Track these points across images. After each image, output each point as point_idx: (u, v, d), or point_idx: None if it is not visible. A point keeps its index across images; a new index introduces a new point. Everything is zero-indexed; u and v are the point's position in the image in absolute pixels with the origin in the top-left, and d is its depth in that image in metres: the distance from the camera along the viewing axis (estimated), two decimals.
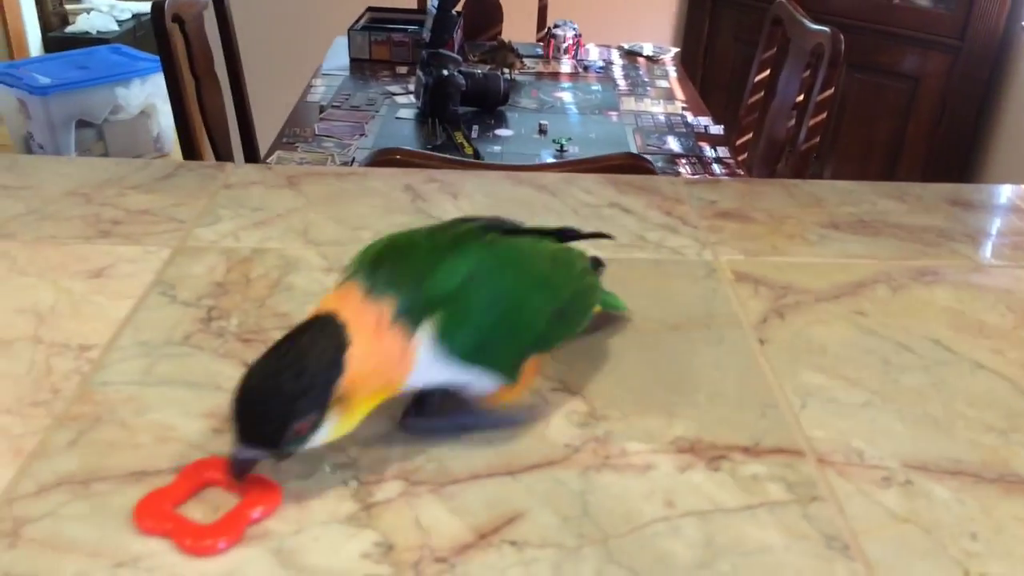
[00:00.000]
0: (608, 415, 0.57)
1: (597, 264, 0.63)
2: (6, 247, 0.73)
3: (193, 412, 0.55)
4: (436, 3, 2.06)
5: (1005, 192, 0.94)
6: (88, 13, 4.09)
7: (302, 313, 0.66)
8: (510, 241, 0.55)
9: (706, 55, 3.30)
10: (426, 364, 0.48)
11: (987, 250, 0.80)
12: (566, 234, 0.60)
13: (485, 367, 0.51)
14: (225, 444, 0.53)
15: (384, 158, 1.34)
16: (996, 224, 0.86)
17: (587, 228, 0.80)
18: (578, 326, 0.58)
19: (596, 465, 0.52)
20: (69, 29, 4.03)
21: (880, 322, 0.67)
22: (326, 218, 0.81)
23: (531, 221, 0.82)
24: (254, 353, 0.61)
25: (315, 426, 0.45)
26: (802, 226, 0.82)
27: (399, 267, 0.49)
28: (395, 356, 0.47)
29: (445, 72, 1.96)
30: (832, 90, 2.09)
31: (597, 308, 0.61)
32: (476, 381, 0.51)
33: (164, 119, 3.34)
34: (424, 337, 0.47)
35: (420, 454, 0.53)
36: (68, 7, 4.13)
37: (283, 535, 0.47)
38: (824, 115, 2.08)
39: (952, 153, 2.83)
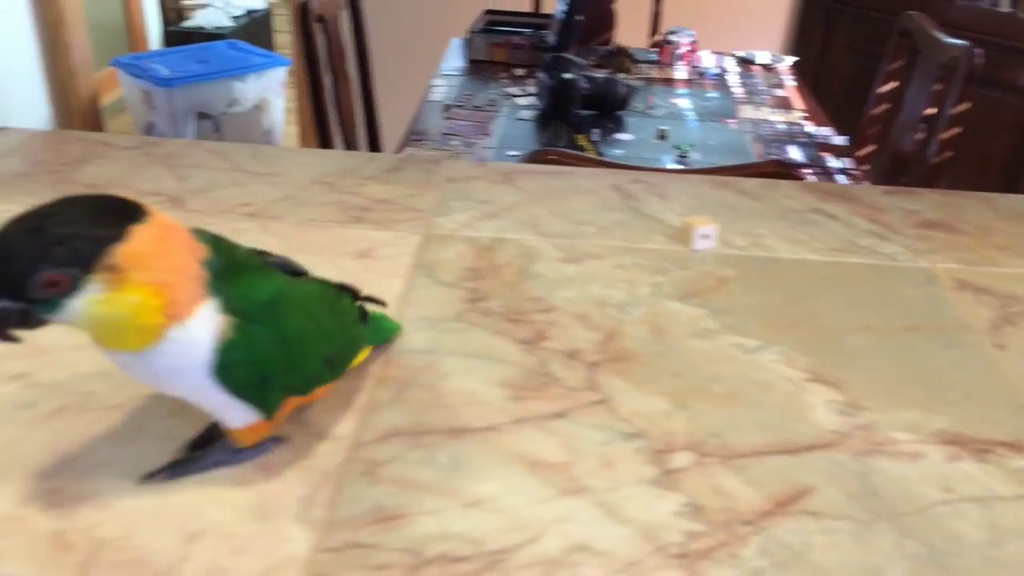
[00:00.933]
0: (867, 406, 0.61)
1: (364, 315, 0.60)
2: (278, 227, 0.80)
3: (488, 380, 0.62)
4: (564, 8, 2.11)
5: None
6: (204, 9, 4.26)
7: (554, 298, 0.72)
8: (299, 283, 0.54)
9: (818, 65, 3.28)
10: (199, 346, 0.45)
11: None
12: (345, 288, 0.58)
13: (251, 402, 0.49)
14: (525, 410, 0.59)
15: (540, 158, 1.40)
16: None
17: (797, 231, 0.85)
18: (340, 374, 0.56)
19: (867, 451, 0.57)
20: (185, 24, 4.21)
21: None
22: (549, 212, 0.87)
23: (740, 224, 0.87)
24: (522, 332, 0.67)
25: (74, 286, 0.41)
26: (1010, 239, 0.85)
27: (223, 254, 0.48)
28: (185, 275, 0.44)
29: (569, 75, 2.02)
30: (968, 104, 2.07)
31: (365, 352, 0.60)
32: (236, 412, 0.49)
33: (275, 113, 3.46)
34: (212, 313, 0.45)
35: (702, 429, 0.58)
36: (184, 3, 4.31)
37: (600, 491, 0.52)
38: (958, 129, 2.07)
39: None
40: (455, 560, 0.47)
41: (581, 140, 1.94)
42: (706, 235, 0.81)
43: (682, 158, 1.89)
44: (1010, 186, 2.86)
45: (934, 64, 2.04)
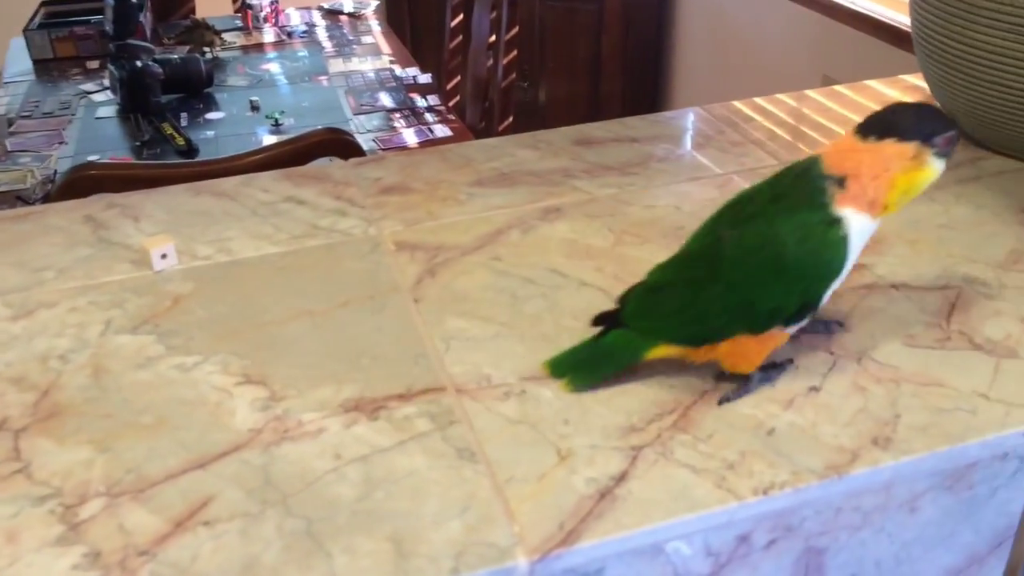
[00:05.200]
0: (286, 395, 0.66)
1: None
2: None
3: None
4: None
5: (622, 126, 1.11)
6: None
7: None
8: None
9: (411, 2, 3.39)
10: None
11: (600, 182, 0.96)
12: None
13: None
14: None
15: (79, 175, 1.33)
16: (611, 156, 1.03)
17: (266, 225, 0.89)
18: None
19: (276, 440, 0.62)
20: None
21: (511, 263, 0.81)
22: (7, 265, 0.84)
23: (213, 229, 0.89)
24: None
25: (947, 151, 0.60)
26: (454, 188, 0.94)
27: None
28: None
29: (138, 63, 1.92)
30: (517, 29, 2.25)
31: None
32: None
33: None
34: None
35: (119, 469, 0.60)
36: None
37: (2, 570, 0.54)
38: (515, 53, 2.25)
39: (643, 61, 3.17)
40: None
41: (167, 129, 1.86)
42: (164, 254, 0.82)
43: (276, 127, 1.87)
44: (596, 82, 3.20)
45: None
